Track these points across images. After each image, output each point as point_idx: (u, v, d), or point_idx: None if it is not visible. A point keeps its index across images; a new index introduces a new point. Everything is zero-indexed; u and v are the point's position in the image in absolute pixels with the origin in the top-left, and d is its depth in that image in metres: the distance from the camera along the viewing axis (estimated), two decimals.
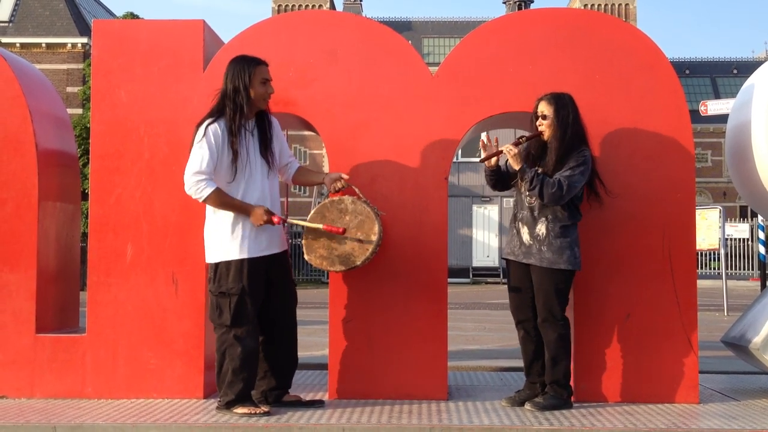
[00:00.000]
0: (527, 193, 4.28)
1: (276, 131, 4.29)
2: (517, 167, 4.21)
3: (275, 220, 4.05)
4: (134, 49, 4.67)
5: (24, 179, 4.64)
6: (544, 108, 4.26)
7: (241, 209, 4.05)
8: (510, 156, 4.21)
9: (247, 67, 4.08)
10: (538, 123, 4.29)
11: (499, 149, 4.28)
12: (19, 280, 4.60)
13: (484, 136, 4.41)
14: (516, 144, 4.25)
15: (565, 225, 4.24)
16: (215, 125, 4.05)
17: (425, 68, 4.70)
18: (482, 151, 4.35)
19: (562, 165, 4.20)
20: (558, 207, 4.22)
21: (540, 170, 4.22)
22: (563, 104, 4.25)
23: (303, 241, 4.20)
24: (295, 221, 4.25)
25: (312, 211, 4.24)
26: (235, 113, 4.06)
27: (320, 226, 4.12)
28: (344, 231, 4.08)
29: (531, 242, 4.27)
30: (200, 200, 4.05)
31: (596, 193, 4.37)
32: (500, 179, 4.44)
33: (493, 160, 4.33)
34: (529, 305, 4.34)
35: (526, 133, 4.40)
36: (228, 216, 4.08)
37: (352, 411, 4.16)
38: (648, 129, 4.57)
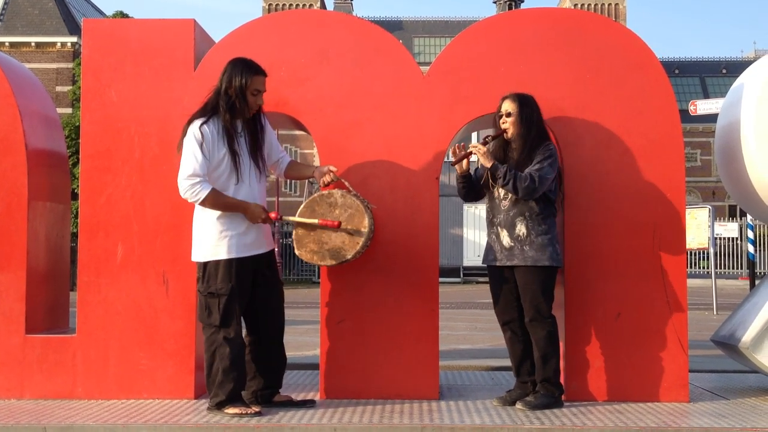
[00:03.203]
0: (501, 195, 4.32)
1: (267, 130, 4.29)
2: (488, 165, 4.26)
3: (272, 216, 4.07)
4: (124, 48, 4.65)
5: (14, 179, 4.62)
6: (509, 106, 4.32)
7: (238, 207, 4.05)
8: (480, 154, 4.26)
9: (245, 73, 4.07)
10: (501, 121, 4.35)
11: (468, 150, 4.33)
12: (9, 280, 4.58)
13: (457, 144, 4.46)
14: (484, 143, 4.31)
15: (544, 221, 4.27)
16: (206, 126, 4.04)
17: (416, 68, 4.70)
18: (453, 157, 4.38)
19: (529, 161, 4.25)
20: (532, 203, 4.26)
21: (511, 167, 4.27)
22: (527, 103, 4.32)
23: (293, 236, 4.20)
24: (291, 218, 4.24)
25: (302, 206, 4.24)
26: (229, 114, 4.06)
27: (316, 221, 4.12)
28: (340, 224, 4.08)
29: (512, 244, 4.29)
30: (197, 203, 4.04)
31: (560, 192, 4.43)
32: (472, 188, 4.49)
33: (464, 163, 4.38)
34: (514, 306, 4.36)
35: (492, 133, 4.44)
36: (216, 215, 4.07)
37: (344, 411, 4.16)
38: (638, 128, 4.59)
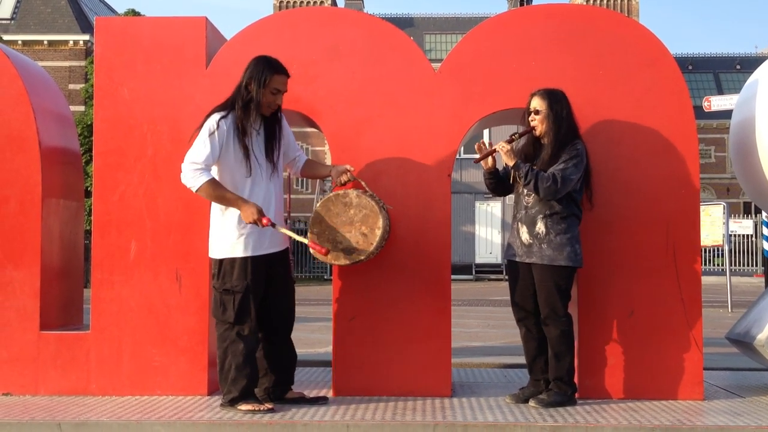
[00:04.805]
0: (525, 192, 4.28)
1: (285, 129, 4.29)
2: (510, 164, 4.22)
3: (264, 221, 3.99)
4: (137, 46, 4.67)
5: (27, 176, 4.64)
6: (537, 103, 4.26)
7: (234, 203, 4.02)
8: (503, 153, 4.22)
9: (265, 72, 4.06)
10: (530, 118, 4.30)
11: (493, 148, 4.29)
12: (23, 277, 4.60)
13: (481, 140, 4.40)
14: (509, 141, 4.27)
15: (564, 220, 4.23)
16: (224, 120, 4.04)
17: (428, 64, 4.69)
18: (478, 153, 4.35)
19: (557, 159, 4.20)
20: (554, 202, 4.22)
21: (534, 166, 4.23)
22: (557, 99, 4.25)
23: (308, 235, 4.19)
24: (283, 230, 4.19)
25: (317, 204, 4.24)
26: (242, 111, 4.06)
27: (305, 240, 4.10)
28: (327, 252, 4.05)
29: (531, 241, 4.26)
30: (193, 189, 4.02)
31: (588, 190, 4.36)
32: (500, 182, 4.46)
33: (489, 160, 4.35)
34: (529, 303, 4.34)
35: (520, 130, 4.40)
36: (233, 213, 4.07)
37: (356, 408, 4.16)
38: (651, 125, 4.56)
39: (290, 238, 4.30)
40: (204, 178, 3.99)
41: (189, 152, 4.04)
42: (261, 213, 4.00)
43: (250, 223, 4.00)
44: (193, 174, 4.00)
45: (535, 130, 4.30)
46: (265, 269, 4.15)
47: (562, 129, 4.23)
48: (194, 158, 4.01)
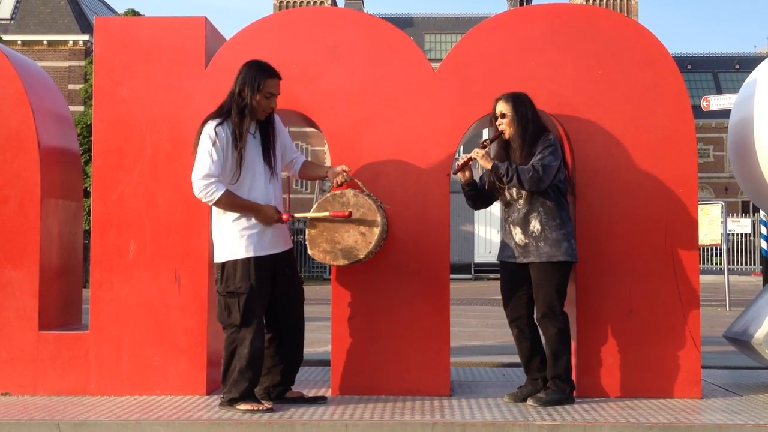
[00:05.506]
0: (514, 194, 4.32)
1: (279, 130, 4.30)
2: (488, 166, 4.27)
3: (284, 218, 4.08)
4: (136, 46, 4.67)
5: (26, 177, 4.65)
6: (502, 107, 4.33)
7: (251, 209, 4.06)
8: (479, 157, 4.28)
9: (258, 77, 4.08)
10: (498, 123, 4.36)
11: (469, 156, 4.35)
12: (22, 277, 4.61)
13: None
14: (482, 147, 4.33)
15: (558, 215, 4.26)
16: (221, 127, 4.04)
17: (427, 64, 4.70)
18: (455, 166, 4.40)
19: (530, 158, 4.25)
20: (545, 199, 4.25)
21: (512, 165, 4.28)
22: (521, 102, 4.32)
23: (306, 236, 4.20)
24: (302, 214, 4.29)
25: (314, 206, 4.25)
26: (238, 117, 4.06)
27: (326, 214, 4.13)
28: (350, 214, 4.09)
29: (527, 241, 4.28)
30: (211, 203, 4.05)
31: (570, 181, 4.41)
32: (479, 194, 4.51)
33: (467, 172, 4.40)
34: (523, 303, 4.36)
35: (490, 136, 4.44)
36: (232, 215, 4.08)
37: (355, 407, 4.17)
38: (650, 124, 4.57)
39: (291, 237, 4.32)
40: (220, 191, 4.01)
41: (196, 166, 4.04)
42: (278, 212, 4.09)
43: (272, 224, 4.07)
44: (207, 188, 4.01)
45: (503, 134, 4.35)
46: (270, 270, 4.14)
47: (528, 129, 4.29)
48: (204, 172, 4.01)
